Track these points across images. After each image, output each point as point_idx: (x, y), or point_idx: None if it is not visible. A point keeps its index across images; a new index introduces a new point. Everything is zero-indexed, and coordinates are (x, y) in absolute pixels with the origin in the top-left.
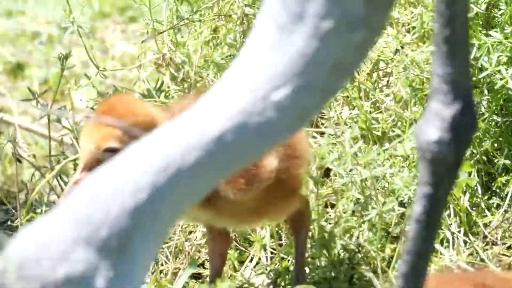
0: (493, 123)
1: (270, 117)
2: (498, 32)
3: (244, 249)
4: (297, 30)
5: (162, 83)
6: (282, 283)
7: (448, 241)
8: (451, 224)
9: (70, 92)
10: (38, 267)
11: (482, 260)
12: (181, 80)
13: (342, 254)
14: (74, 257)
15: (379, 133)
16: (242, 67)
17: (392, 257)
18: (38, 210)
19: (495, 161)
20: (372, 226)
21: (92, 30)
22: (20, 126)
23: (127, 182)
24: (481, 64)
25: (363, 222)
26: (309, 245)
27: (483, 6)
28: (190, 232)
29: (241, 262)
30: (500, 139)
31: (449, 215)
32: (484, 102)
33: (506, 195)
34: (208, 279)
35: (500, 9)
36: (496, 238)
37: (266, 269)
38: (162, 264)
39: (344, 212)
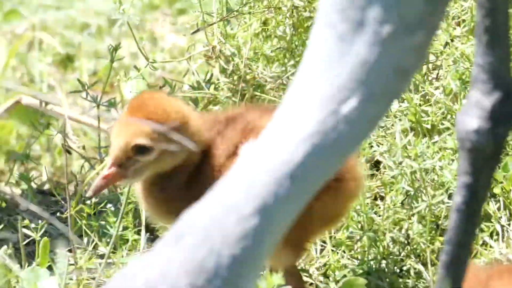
0: None
1: (342, 131)
2: None
3: None
4: (358, 38)
5: (212, 75)
6: (332, 275)
7: (497, 234)
8: (501, 217)
9: (119, 84)
10: None
11: None
12: (231, 73)
13: (391, 247)
14: None
15: (429, 126)
16: (306, 84)
17: (441, 250)
18: (88, 202)
19: None
20: (421, 218)
21: (142, 22)
22: (69, 118)
23: (231, 226)
24: None
25: (413, 214)
26: (358, 237)
27: None
28: None
29: None
30: None
31: (498, 208)
32: None
33: None
34: None
35: None
36: None
37: (315, 261)
38: None
39: (393, 205)
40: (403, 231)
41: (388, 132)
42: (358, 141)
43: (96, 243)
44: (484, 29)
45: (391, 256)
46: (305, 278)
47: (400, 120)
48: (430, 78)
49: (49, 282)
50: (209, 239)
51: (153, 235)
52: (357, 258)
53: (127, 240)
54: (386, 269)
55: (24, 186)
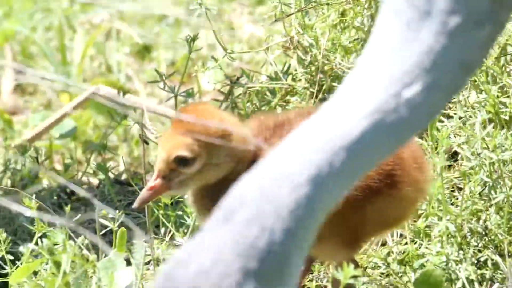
0: None
1: (402, 114)
2: None
3: None
4: (424, 27)
5: (289, 66)
6: (408, 267)
7: None
8: None
9: (197, 74)
10: None
11: None
12: (308, 63)
13: (468, 237)
14: None
15: (507, 117)
16: (370, 66)
17: None
18: None
19: None
20: (499, 209)
21: (220, 12)
22: (147, 108)
23: (284, 197)
24: None
25: (491, 205)
26: (438, 230)
27: None
28: None
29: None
30: None
31: None
32: None
33: None
34: None
35: None
36: None
37: (392, 252)
38: None
39: (472, 195)
40: (481, 222)
41: (466, 123)
42: (415, 128)
43: (173, 233)
44: None
45: (468, 247)
46: (382, 266)
47: (479, 111)
48: (508, 70)
49: (126, 272)
50: (261, 214)
51: None
52: (432, 249)
53: None
54: (463, 260)
55: (101, 176)
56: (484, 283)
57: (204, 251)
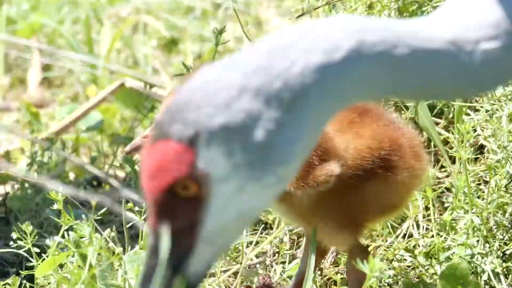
0: None
1: (474, 61)
2: None
3: (396, 225)
4: None
5: None
6: (433, 259)
7: None
8: None
9: None
10: (198, 112)
11: None
12: None
13: (494, 230)
14: (237, 106)
15: None
16: (456, 7)
17: None
18: None
19: None
20: None
21: (247, 5)
22: None
23: (324, 39)
24: None
25: None
26: (464, 223)
27: None
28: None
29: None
30: None
31: None
32: None
33: None
34: None
35: None
36: None
37: (418, 245)
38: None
39: (498, 189)
40: (506, 215)
41: (492, 117)
42: (476, 83)
43: None
44: None
45: (494, 240)
46: (408, 258)
47: (505, 104)
48: None
49: None
50: (286, 47)
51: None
52: (457, 241)
53: None
54: (489, 253)
55: (128, 169)
56: (510, 276)
57: (213, 69)
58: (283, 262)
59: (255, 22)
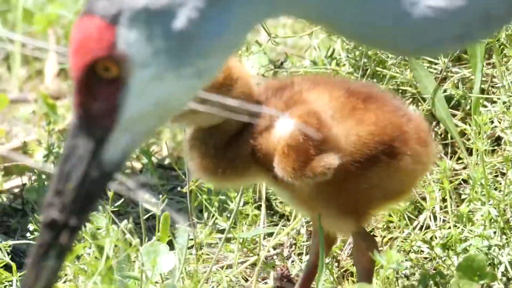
0: None
1: (415, 14)
2: None
3: (413, 216)
4: None
5: (333, 50)
6: (450, 251)
7: None
8: None
9: (241, 58)
10: None
11: None
12: (353, 48)
13: (511, 222)
14: None
15: None
16: None
17: None
18: None
19: None
20: None
21: None
22: None
23: None
24: None
25: None
26: (481, 215)
27: None
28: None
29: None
30: None
31: None
32: None
33: None
34: None
35: None
36: None
37: (435, 237)
38: None
39: None
40: None
41: (510, 108)
42: (410, 40)
43: (216, 218)
44: None
45: (511, 232)
46: (425, 250)
47: None
48: None
49: (169, 257)
50: None
51: (272, 210)
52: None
53: (247, 215)
54: (506, 245)
55: (144, 160)
56: None
57: None
58: (300, 254)
59: None
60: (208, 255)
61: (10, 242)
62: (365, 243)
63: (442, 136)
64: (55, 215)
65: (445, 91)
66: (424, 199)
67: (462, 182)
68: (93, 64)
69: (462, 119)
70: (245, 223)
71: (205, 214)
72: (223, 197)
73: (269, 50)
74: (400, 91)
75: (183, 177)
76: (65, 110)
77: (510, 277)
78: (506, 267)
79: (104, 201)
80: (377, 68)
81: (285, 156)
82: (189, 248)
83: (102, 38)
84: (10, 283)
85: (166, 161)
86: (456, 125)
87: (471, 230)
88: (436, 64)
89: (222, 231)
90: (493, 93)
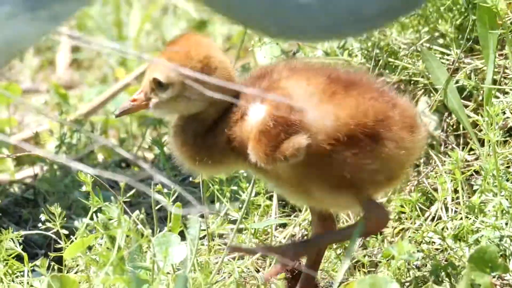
0: None
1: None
2: None
3: (425, 208)
4: None
5: (346, 41)
6: (462, 242)
7: None
8: None
9: (253, 49)
10: None
11: None
12: (365, 39)
13: None
14: None
15: None
16: None
17: None
18: None
19: None
20: None
21: None
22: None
23: None
24: None
25: None
26: (492, 206)
27: None
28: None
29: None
30: None
31: None
32: None
33: None
34: None
35: None
36: None
37: (447, 228)
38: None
39: None
40: None
41: None
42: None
43: (228, 209)
44: None
45: None
46: (436, 241)
47: None
48: None
49: (181, 248)
50: None
51: (284, 201)
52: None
53: (259, 206)
54: None
55: (156, 151)
56: None
57: None
58: None
59: None
60: (220, 246)
61: (22, 233)
62: (373, 214)
63: (454, 127)
64: None
65: (457, 82)
66: (435, 190)
67: (474, 173)
68: None
69: (474, 110)
70: (257, 214)
71: (217, 205)
72: (235, 188)
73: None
74: (412, 82)
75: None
76: (77, 100)
77: None
78: None
79: (116, 191)
80: (389, 59)
81: (257, 142)
82: (200, 238)
83: None
84: (22, 273)
85: None
86: (468, 116)
87: (482, 221)
88: (448, 55)
89: (234, 222)
90: (505, 84)
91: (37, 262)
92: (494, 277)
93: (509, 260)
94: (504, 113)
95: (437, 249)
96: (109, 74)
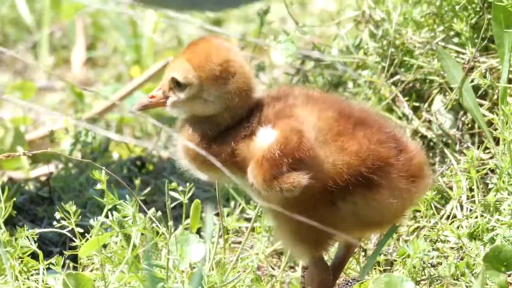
0: None
1: None
2: None
3: (440, 206)
4: None
5: (361, 40)
6: (477, 241)
7: None
8: None
9: (268, 47)
10: None
11: None
12: (380, 37)
13: None
14: None
15: None
16: None
17: None
18: None
19: None
20: None
21: None
22: None
23: None
24: None
25: None
26: (508, 204)
27: None
28: None
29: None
30: None
31: None
32: None
33: None
34: None
35: None
36: None
37: (462, 226)
38: None
39: None
40: None
41: None
42: None
43: (243, 207)
44: None
45: None
46: (451, 239)
47: None
48: None
49: (199, 246)
50: None
51: None
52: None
53: None
54: None
55: (171, 149)
56: None
57: None
58: None
59: (299, 3)
60: (235, 243)
61: (37, 230)
62: (317, 270)
63: (469, 125)
64: None
65: (472, 81)
66: (451, 188)
67: (489, 171)
68: None
69: (489, 108)
70: None
71: (232, 203)
72: None
73: (296, 39)
74: (427, 80)
75: None
76: (92, 98)
77: None
78: None
79: (131, 189)
80: (404, 58)
81: (258, 165)
82: (216, 236)
83: None
84: (37, 271)
85: None
86: (483, 115)
87: (498, 220)
88: (463, 54)
89: (249, 220)
90: None
91: (52, 260)
92: (509, 275)
93: None
94: None
95: (452, 248)
96: (124, 72)
